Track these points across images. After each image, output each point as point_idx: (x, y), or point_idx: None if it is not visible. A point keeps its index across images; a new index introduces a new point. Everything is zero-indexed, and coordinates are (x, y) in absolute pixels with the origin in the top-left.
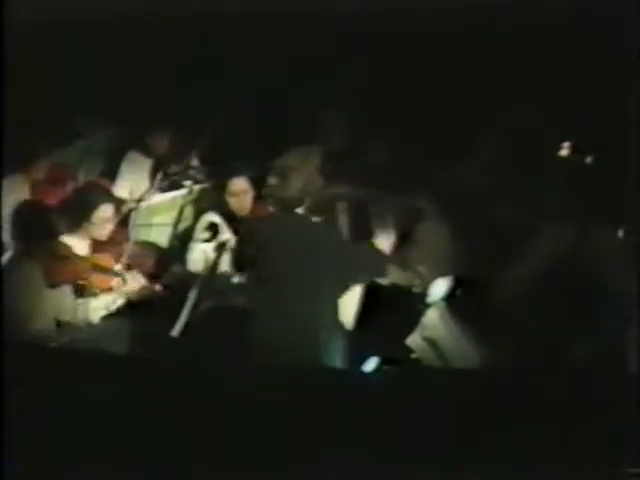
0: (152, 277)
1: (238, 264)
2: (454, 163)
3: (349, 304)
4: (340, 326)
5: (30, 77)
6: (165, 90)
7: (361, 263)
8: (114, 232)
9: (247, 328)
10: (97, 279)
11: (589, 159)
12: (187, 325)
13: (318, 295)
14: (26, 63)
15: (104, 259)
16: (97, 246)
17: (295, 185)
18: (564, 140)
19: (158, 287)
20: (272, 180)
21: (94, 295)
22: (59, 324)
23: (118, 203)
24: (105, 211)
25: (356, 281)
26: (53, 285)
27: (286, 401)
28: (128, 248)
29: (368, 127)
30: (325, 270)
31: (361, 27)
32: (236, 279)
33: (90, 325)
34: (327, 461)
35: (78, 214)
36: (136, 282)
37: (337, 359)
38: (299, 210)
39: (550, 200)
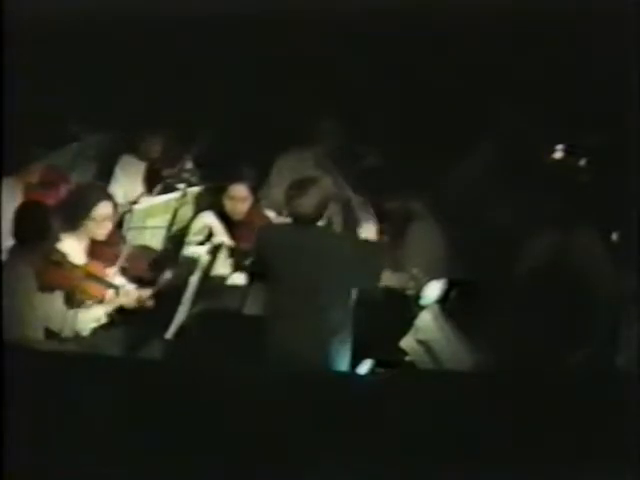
0: (145, 283)
1: (247, 271)
2: (448, 166)
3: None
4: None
5: (24, 80)
6: (159, 93)
7: (359, 268)
8: (111, 233)
9: (259, 334)
10: (91, 287)
11: (583, 161)
12: (181, 328)
13: (325, 300)
14: (21, 67)
15: (98, 268)
16: (94, 247)
17: (314, 199)
18: (558, 142)
19: (149, 302)
20: (291, 193)
21: (86, 306)
22: (48, 333)
23: (115, 202)
24: (105, 207)
25: (356, 285)
26: (45, 289)
27: (282, 403)
28: (124, 251)
29: (363, 131)
30: (330, 275)
31: (358, 31)
32: (232, 281)
33: (79, 336)
34: (323, 462)
35: (78, 212)
36: (128, 295)
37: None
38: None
39: (544, 203)
